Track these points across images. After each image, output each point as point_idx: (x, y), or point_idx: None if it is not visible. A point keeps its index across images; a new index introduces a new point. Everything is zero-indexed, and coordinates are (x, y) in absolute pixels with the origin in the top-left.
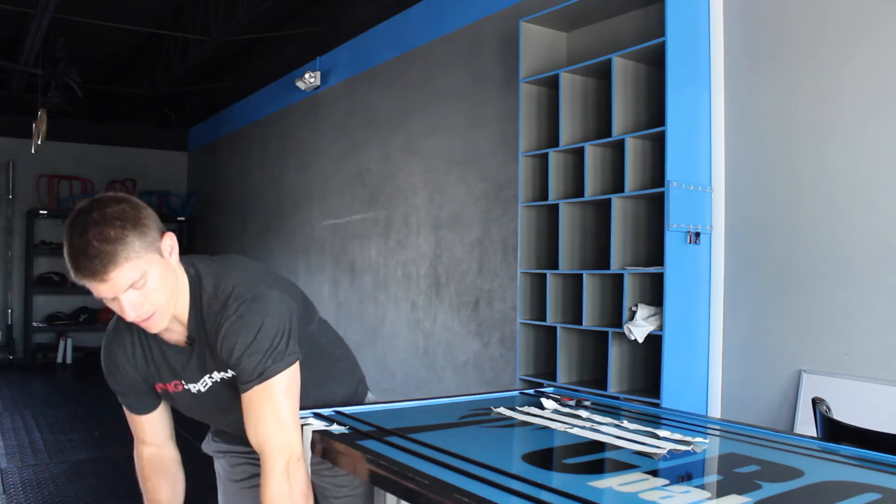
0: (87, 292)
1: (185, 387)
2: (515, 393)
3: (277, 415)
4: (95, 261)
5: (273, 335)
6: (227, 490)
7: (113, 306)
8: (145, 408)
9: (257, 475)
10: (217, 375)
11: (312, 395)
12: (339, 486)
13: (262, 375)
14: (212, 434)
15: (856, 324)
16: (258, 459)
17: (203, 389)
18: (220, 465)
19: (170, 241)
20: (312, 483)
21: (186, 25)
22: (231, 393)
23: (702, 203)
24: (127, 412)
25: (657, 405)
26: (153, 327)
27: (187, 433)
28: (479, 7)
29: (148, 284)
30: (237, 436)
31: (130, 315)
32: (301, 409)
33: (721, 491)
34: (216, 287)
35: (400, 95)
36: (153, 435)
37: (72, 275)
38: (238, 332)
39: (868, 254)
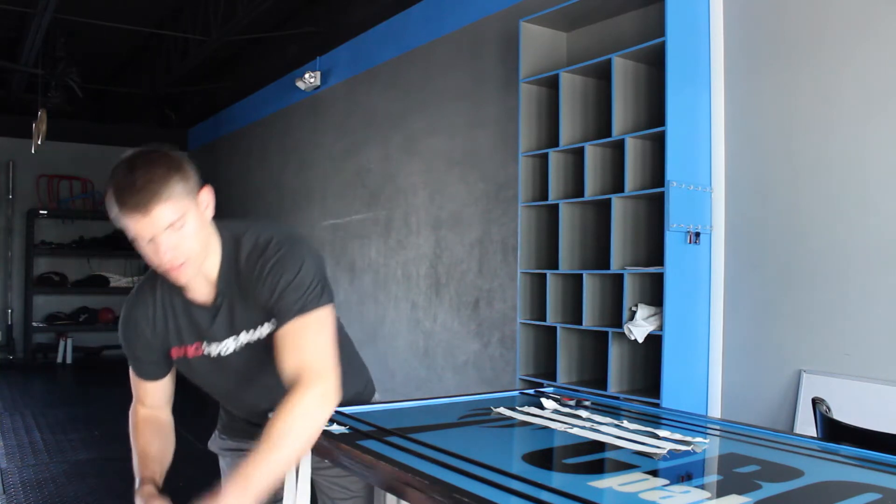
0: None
1: (206, 350)
2: (515, 393)
3: (318, 344)
4: (141, 194)
5: (312, 276)
6: None
7: (147, 249)
8: (154, 374)
9: None
10: (244, 337)
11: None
12: (342, 486)
13: (303, 308)
14: (219, 431)
15: (856, 324)
16: None
17: (224, 353)
18: (225, 464)
19: (207, 196)
20: (314, 482)
21: (186, 25)
22: (254, 359)
23: (702, 203)
24: (133, 376)
25: (657, 405)
26: (182, 276)
27: (188, 433)
28: (479, 7)
29: (185, 229)
30: (246, 426)
31: (165, 257)
32: None
33: (721, 491)
34: (256, 239)
35: (400, 95)
36: (153, 399)
37: (115, 212)
38: (280, 270)
39: (868, 254)
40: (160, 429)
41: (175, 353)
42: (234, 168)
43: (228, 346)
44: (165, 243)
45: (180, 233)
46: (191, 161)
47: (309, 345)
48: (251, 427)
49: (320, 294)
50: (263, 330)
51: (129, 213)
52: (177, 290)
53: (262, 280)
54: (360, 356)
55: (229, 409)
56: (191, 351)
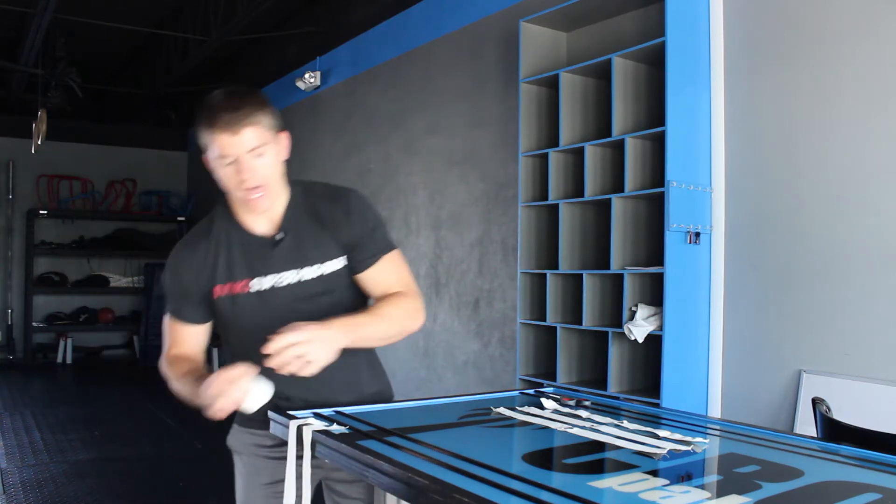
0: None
1: (254, 287)
2: (515, 393)
3: (406, 275)
4: (233, 116)
5: (383, 223)
6: (251, 494)
7: (228, 172)
8: (194, 317)
9: (282, 480)
10: (308, 272)
11: (342, 381)
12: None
13: (388, 248)
14: (238, 423)
15: (856, 324)
16: (285, 458)
17: (278, 286)
18: (242, 464)
19: (286, 140)
20: (322, 482)
21: (186, 25)
22: (304, 299)
23: (702, 203)
24: (170, 323)
25: (657, 405)
26: (261, 203)
27: (188, 433)
28: (479, 7)
29: (264, 157)
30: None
31: (245, 175)
32: (329, 400)
33: (721, 491)
34: (328, 187)
35: (400, 95)
36: (189, 347)
37: (206, 133)
38: (363, 216)
39: (868, 254)
40: (191, 361)
41: (219, 290)
42: None
43: (287, 278)
44: (246, 165)
45: (260, 160)
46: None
47: (403, 276)
48: (280, 402)
49: (391, 239)
50: (333, 265)
51: (220, 131)
52: (235, 225)
53: (348, 221)
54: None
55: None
56: (238, 287)
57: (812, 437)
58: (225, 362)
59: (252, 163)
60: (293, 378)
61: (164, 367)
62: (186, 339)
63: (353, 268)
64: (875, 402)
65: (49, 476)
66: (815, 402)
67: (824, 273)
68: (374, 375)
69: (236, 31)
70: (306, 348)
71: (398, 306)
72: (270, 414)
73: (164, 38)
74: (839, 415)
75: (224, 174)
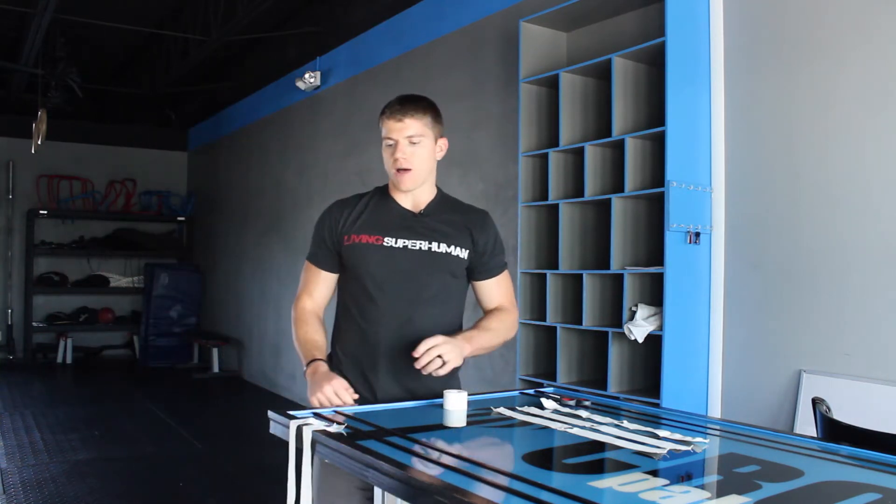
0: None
1: (387, 242)
2: (515, 393)
3: (513, 293)
4: (403, 106)
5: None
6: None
7: (387, 152)
8: (326, 265)
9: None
10: (436, 246)
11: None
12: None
13: (504, 265)
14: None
15: (856, 324)
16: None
17: (410, 246)
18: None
19: (443, 144)
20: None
21: (186, 25)
22: (426, 264)
23: (702, 203)
24: (308, 266)
25: (657, 405)
26: (405, 181)
27: (188, 433)
28: (479, 7)
29: (419, 146)
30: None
31: (398, 155)
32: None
33: (721, 491)
34: (471, 205)
35: None
36: (318, 291)
37: (381, 119)
38: (496, 233)
39: (868, 254)
40: (318, 323)
41: (352, 238)
42: (234, 168)
43: (418, 244)
44: (402, 147)
45: (414, 147)
46: (442, 117)
47: (508, 292)
48: (403, 318)
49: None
50: (460, 252)
51: (389, 116)
52: (388, 197)
53: (484, 229)
54: None
55: (369, 323)
56: (371, 239)
57: (812, 437)
58: (338, 323)
59: (406, 148)
60: (405, 310)
61: (294, 316)
62: (318, 283)
63: (475, 273)
64: (875, 402)
65: (49, 476)
66: (815, 402)
67: (824, 273)
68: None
69: (236, 31)
70: (444, 350)
71: (503, 321)
72: (270, 414)
73: (164, 38)
74: (839, 415)
75: (385, 154)
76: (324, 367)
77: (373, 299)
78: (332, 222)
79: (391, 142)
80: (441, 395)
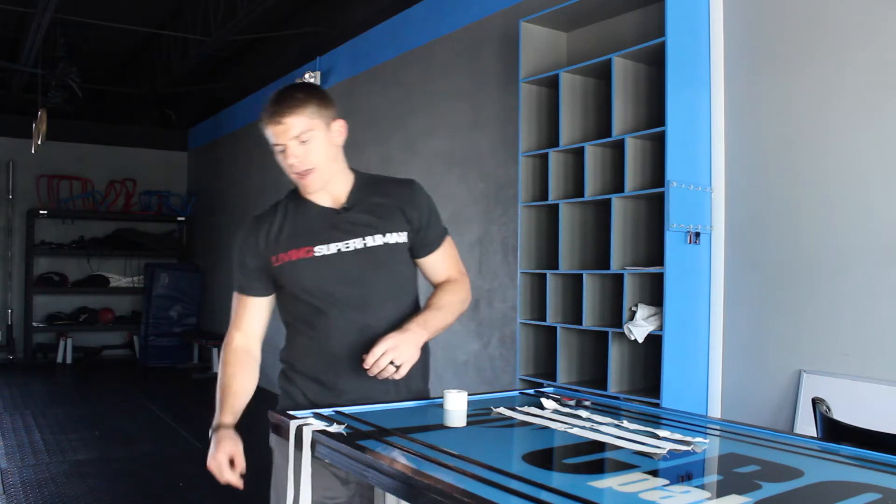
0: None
1: (318, 252)
2: (515, 393)
3: (458, 259)
4: (278, 106)
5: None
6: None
7: (280, 159)
8: (256, 291)
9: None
10: (373, 239)
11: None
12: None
13: (445, 232)
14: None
15: (855, 324)
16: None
17: (345, 250)
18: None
19: (341, 128)
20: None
21: (186, 25)
22: (369, 261)
23: (702, 203)
24: (237, 297)
25: (657, 405)
26: (310, 184)
27: (188, 433)
28: (479, 7)
29: (310, 143)
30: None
31: (290, 160)
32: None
33: (721, 491)
34: (393, 178)
35: (400, 95)
36: (249, 324)
37: (262, 125)
38: (427, 202)
39: (868, 254)
40: (248, 363)
41: (281, 258)
42: (234, 168)
43: (354, 244)
44: (292, 151)
45: (306, 145)
46: (331, 97)
47: (454, 261)
48: (353, 326)
49: (443, 224)
50: (396, 237)
51: (268, 121)
52: (302, 200)
53: (414, 202)
54: None
55: (319, 335)
56: (300, 254)
57: (812, 437)
58: (287, 336)
59: (297, 149)
60: (356, 316)
61: (223, 353)
62: (248, 313)
63: (416, 251)
64: (875, 402)
65: (49, 476)
66: (815, 402)
67: (824, 273)
68: (424, 375)
69: (236, 31)
70: (396, 353)
71: (455, 292)
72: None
73: (164, 38)
74: (839, 415)
75: (279, 161)
76: (226, 435)
77: (321, 313)
78: (254, 245)
79: (280, 147)
80: (420, 396)
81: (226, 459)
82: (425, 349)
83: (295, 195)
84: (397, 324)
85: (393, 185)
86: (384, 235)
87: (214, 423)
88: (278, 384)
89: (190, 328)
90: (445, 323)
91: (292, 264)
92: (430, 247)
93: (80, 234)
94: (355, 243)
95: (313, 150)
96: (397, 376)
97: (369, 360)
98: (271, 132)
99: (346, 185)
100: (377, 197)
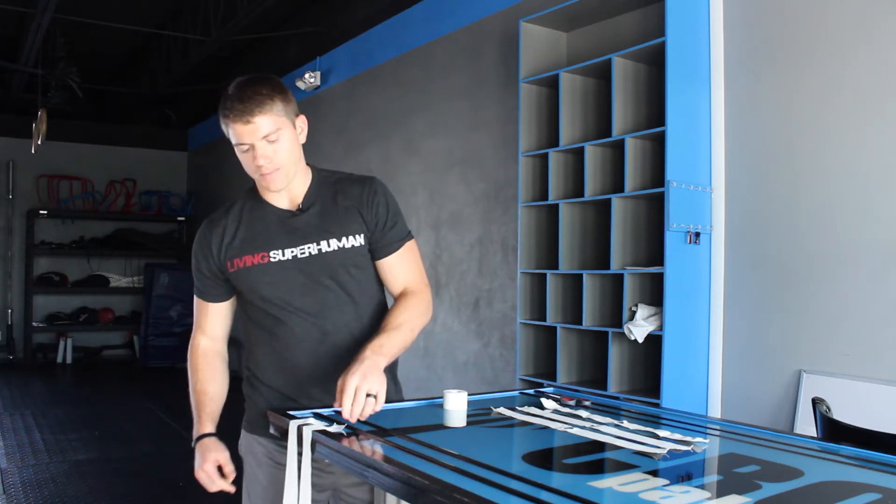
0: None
1: (273, 257)
2: (515, 393)
3: (419, 266)
4: (246, 104)
5: (401, 212)
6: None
7: (245, 158)
8: (215, 297)
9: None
10: (328, 243)
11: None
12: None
13: (406, 237)
14: (246, 430)
15: (855, 324)
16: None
17: (301, 255)
18: (251, 470)
19: (302, 123)
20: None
21: (186, 25)
22: (325, 267)
23: (702, 203)
24: (197, 303)
25: (657, 405)
26: (273, 183)
27: (187, 433)
28: (479, 7)
29: (279, 142)
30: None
31: (260, 162)
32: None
33: (721, 491)
34: (351, 174)
35: (400, 95)
36: (213, 327)
37: (222, 119)
38: (385, 201)
39: (868, 254)
40: (217, 366)
41: (237, 263)
42: (234, 168)
43: (307, 249)
44: (262, 151)
45: (275, 145)
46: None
47: (415, 266)
48: (308, 333)
49: (407, 227)
50: (353, 240)
51: (234, 120)
52: (259, 201)
53: (372, 203)
54: None
55: (278, 346)
56: (256, 259)
57: (812, 437)
58: (248, 342)
59: (267, 150)
60: (313, 326)
61: (190, 360)
62: (211, 319)
63: (374, 252)
64: (875, 402)
65: (49, 476)
66: (815, 402)
67: (824, 273)
68: (395, 387)
69: (236, 31)
70: (367, 385)
71: (411, 309)
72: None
73: (164, 38)
74: (839, 415)
75: (243, 159)
76: (210, 444)
77: (279, 321)
78: (207, 251)
79: (245, 147)
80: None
81: (214, 469)
82: (392, 364)
83: (251, 195)
84: (360, 332)
85: (351, 183)
86: (339, 240)
87: (195, 434)
88: (243, 390)
89: (190, 328)
90: (405, 343)
91: (247, 270)
92: (388, 249)
93: (80, 234)
94: (311, 248)
95: (281, 151)
96: (378, 408)
97: (345, 404)
98: (236, 131)
99: (304, 184)
100: (335, 197)
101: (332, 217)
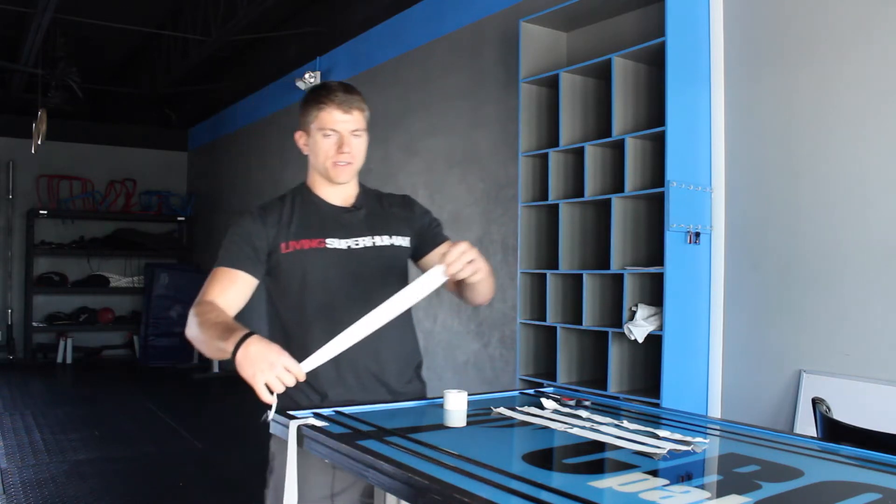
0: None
1: (329, 244)
2: (515, 393)
3: None
4: (350, 97)
5: None
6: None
7: (326, 143)
8: (246, 266)
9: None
10: (378, 240)
11: (401, 352)
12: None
13: (445, 238)
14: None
15: (855, 324)
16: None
17: (354, 247)
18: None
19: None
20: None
21: (186, 25)
22: (373, 261)
23: (702, 203)
24: (218, 271)
25: (657, 405)
26: (342, 174)
27: (187, 433)
28: (479, 7)
29: (360, 141)
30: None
31: (344, 149)
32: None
33: (721, 491)
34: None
35: (400, 95)
36: (229, 297)
37: (317, 104)
38: (425, 209)
39: (868, 254)
40: (227, 314)
41: (291, 246)
42: (234, 168)
43: (360, 241)
44: (348, 141)
45: (358, 140)
46: None
47: None
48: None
49: None
50: (401, 240)
51: (335, 106)
52: (313, 196)
53: (413, 211)
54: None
55: (322, 330)
56: (312, 244)
57: (812, 437)
58: (284, 336)
59: (352, 142)
60: (361, 348)
61: (193, 309)
62: (228, 287)
63: (424, 247)
64: (875, 402)
65: (49, 476)
66: (815, 402)
67: (824, 273)
68: (417, 350)
69: (236, 31)
70: (475, 257)
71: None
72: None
73: (164, 38)
74: (839, 415)
75: (323, 145)
76: (262, 340)
77: (325, 308)
78: (261, 227)
79: (333, 133)
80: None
81: (281, 367)
82: (418, 363)
83: (301, 190)
84: (398, 332)
85: (392, 195)
86: (390, 237)
87: (235, 339)
88: None
89: None
90: (491, 290)
91: (303, 253)
92: (437, 238)
93: (80, 234)
94: (364, 241)
95: (359, 149)
96: (474, 279)
97: (449, 256)
98: (332, 116)
99: (356, 188)
100: (381, 203)
101: (382, 218)
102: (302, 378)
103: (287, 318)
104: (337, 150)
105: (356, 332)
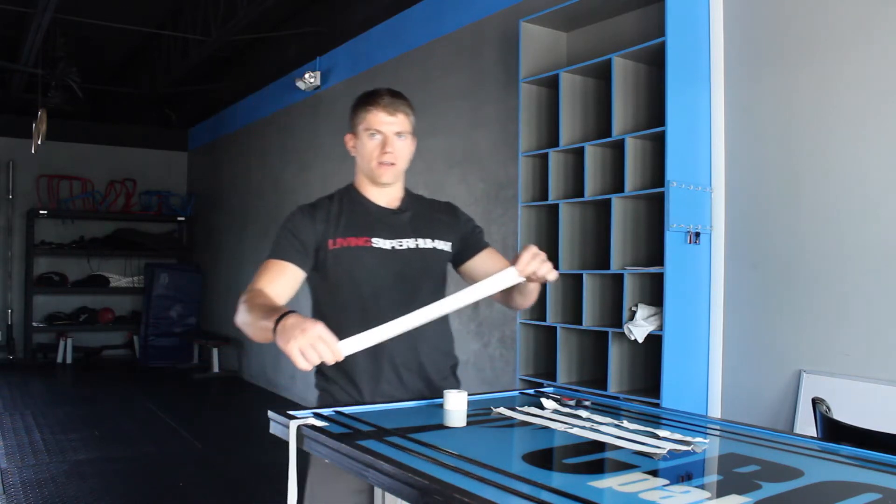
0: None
1: (374, 243)
2: (515, 393)
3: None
4: (396, 100)
5: None
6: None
7: (371, 144)
8: (296, 258)
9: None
10: (422, 242)
11: (440, 346)
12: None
13: (487, 243)
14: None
15: (856, 324)
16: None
17: (398, 247)
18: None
19: (414, 145)
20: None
21: (186, 25)
22: (417, 262)
23: (702, 203)
24: (271, 263)
25: (657, 405)
26: (386, 174)
27: (188, 433)
28: (479, 7)
29: (405, 143)
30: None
31: (388, 150)
32: (426, 361)
33: (721, 491)
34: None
35: None
36: (278, 287)
37: (365, 107)
38: (468, 216)
39: (868, 254)
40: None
41: (338, 242)
42: (234, 168)
43: (404, 243)
44: (391, 141)
45: (401, 142)
46: None
47: (500, 258)
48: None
49: None
50: (444, 244)
51: (381, 108)
52: (360, 196)
53: (457, 217)
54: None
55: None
56: (360, 241)
57: (812, 437)
58: (329, 321)
59: (396, 143)
60: (401, 342)
61: (242, 297)
62: (279, 278)
63: (468, 252)
64: (875, 402)
65: (49, 476)
66: (815, 402)
67: (824, 273)
68: (453, 350)
69: (236, 31)
70: (546, 259)
71: None
72: (270, 414)
73: (164, 38)
74: (839, 415)
75: (368, 145)
76: (300, 315)
77: (368, 306)
78: (310, 222)
79: (377, 134)
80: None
81: (315, 334)
82: (454, 363)
83: (349, 192)
84: (437, 333)
85: (435, 202)
86: (433, 241)
87: (275, 317)
88: (318, 385)
89: (190, 328)
90: (536, 290)
91: (350, 250)
92: (479, 244)
93: (80, 234)
94: (409, 242)
95: (404, 151)
96: (550, 277)
97: (524, 257)
98: (378, 118)
99: (401, 192)
100: (426, 208)
101: (426, 222)
102: (339, 355)
103: (328, 312)
104: (381, 151)
105: (406, 322)
